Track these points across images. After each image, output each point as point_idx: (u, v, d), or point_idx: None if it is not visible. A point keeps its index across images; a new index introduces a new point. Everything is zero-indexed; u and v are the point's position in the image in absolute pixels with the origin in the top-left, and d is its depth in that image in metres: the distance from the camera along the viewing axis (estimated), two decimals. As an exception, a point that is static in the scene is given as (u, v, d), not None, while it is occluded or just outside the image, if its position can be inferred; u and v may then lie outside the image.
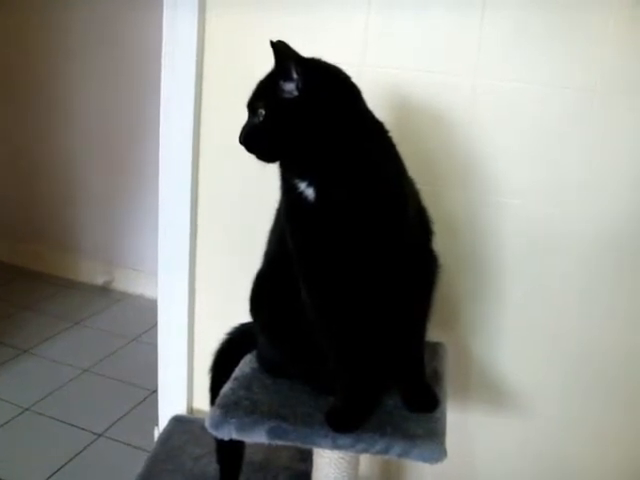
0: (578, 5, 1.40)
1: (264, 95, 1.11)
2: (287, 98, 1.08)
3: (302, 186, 1.11)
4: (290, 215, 1.17)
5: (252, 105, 1.13)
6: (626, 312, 1.55)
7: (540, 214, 1.54)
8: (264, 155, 1.13)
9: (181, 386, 1.94)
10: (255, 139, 1.12)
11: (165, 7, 1.68)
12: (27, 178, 3.46)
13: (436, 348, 1.48)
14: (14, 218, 3.54)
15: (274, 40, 1.07)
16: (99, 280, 3.38)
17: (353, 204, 1.10)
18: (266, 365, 1.36)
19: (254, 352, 1.41)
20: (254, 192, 1.68)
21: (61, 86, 3.24)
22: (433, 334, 1.32)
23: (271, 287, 1.30)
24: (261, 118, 1.10)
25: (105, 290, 3.38)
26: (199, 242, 1.83)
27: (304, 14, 1.55)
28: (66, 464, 2.00)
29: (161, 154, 1.79)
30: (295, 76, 1.06)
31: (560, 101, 1.47)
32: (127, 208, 3.31)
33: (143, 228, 3.20)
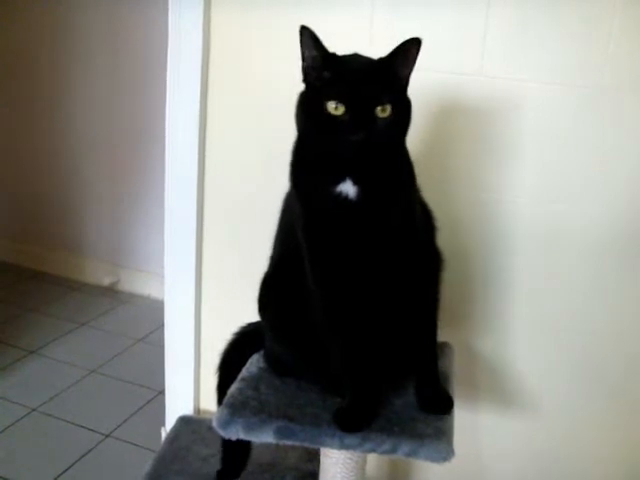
0: (583, 2, 1.39)
1: (392, 90, 1.07)
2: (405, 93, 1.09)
3: (342, 185, 1.09)
4: (313, 214, 1.14)
5: (370, 102, 1.04)
6: (632, 311, 1.55)
7: (546, 213, 1.53)
8: (382, 154, 1.08)
9: (188, 386, 1.95)
10: (385, 137, 1.07)
11: (170, 6, 1.68)
12: (32, 179, 3.46)
13: (443, 348, 1.47)
14: (19, 219, 3.55)
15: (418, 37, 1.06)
16: (105, 281, 3.38)
17: (387, 202, 1.11)
18: (274, 365, 1.36)
19: (261, 352, 1.41)
20: (260, 193, 1.68)
21: (65, 86, 3.25)
22: (439, 334, 1.32)
23: (278, 288, 1.30)
24: (387, 114, 1.05)
25: (111, 291, 3.38)
26: (205, 242, 1.83)
27: (308, 13, 1.54)
28: (73, 465, 2.00)
29: (167, 154, 1.79)
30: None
31: (566, 99, 1.46)
32: (133, 209, 3.31)
33: (149, 229, 3.20)
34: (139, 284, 3.34)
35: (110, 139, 3.24)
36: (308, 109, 1.09)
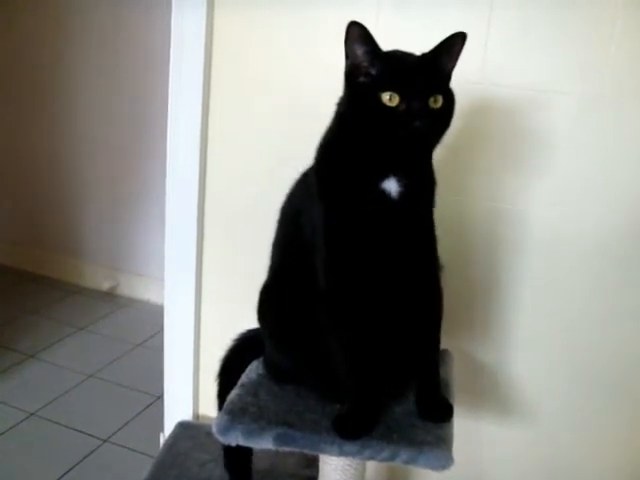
0: (585, 6, 1.40)
1: (440, 82, 1.09)
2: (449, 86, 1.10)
3: (386, 182, 1.09)
4: (343, 213, 1.12)
5: (424, 92, 1.05)
6: (632, 313, 1.54)
7: (547, 217, 1.53)
8: (428, 146, 1.11)
9: (187, 392, 1.94)
10: (438, 127, 1.08)
11: (174, 7, 1.68)
12: (32, 182, 3.47)
13: (442, 355, 1.46)
14: (19, 222, 3.55)
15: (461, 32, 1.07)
16: (104, 285, 3.38)
17: (421, 200, 1.13)
18: (273, 372, 1.35)
19: (261, 358, 1.40)
20: (261, 197, 1.68)
21: (65, 86, 3.25)
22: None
23: (277, 296, 1.29)
24: (439, 104, 1.06)
25: (110, 295, 3.38)
26: (205, 247, 1.83)
27: (312, 13, 1.54)
28: (71, 469, 2.00)
29: (168, 156, 1.79)
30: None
31: (567, 103, 1.46)
32: (133, 213, 3.31)
33: (149, 233, 3.20)
34: (139, 288, 3.34)
35: (110, 141, 3.24)
36: (359, 105, 1.08)
